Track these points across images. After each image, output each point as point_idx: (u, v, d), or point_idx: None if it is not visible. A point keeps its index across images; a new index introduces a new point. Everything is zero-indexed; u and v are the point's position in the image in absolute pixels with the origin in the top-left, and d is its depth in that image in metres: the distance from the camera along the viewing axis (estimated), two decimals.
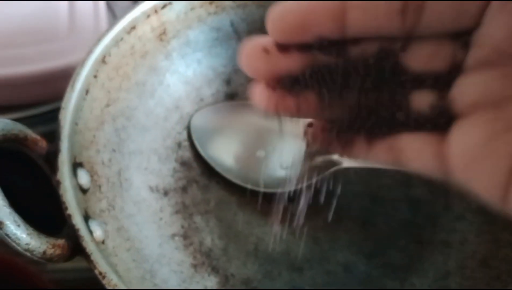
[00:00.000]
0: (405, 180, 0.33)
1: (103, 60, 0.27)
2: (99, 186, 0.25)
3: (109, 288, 0.19)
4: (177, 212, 0.30)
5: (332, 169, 0.31)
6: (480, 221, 0.29)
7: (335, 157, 0.32)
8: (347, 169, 0.34)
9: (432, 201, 0.31)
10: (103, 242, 0.22)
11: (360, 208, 0.33)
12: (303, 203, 0.33)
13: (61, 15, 0.37)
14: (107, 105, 0.28)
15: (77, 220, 0.20)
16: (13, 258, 0.25)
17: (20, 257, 0.19)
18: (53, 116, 0.35)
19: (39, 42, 0.36)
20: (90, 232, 0.21)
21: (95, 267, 0.19)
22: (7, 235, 0.18)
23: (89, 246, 0.20)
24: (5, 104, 0.35)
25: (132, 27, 0.29)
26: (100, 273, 0.19)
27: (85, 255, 0.20)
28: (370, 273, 0.29)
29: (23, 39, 0.36)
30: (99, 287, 0.19)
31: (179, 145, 0.33)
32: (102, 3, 0.38)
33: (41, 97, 0.36)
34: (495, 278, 0.26)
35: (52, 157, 0.22)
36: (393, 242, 0.31)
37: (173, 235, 0.29)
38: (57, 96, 0.36)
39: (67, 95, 0.24)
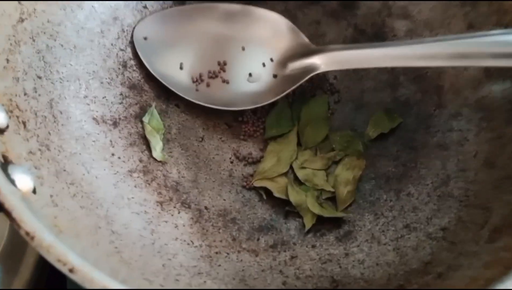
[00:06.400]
0: (390, 80, 0.30)
1: None
2: (24, 123, 0.22)
3: (42, 250, 0.15)
4: (131, 144, 0.27)
5: (309, 76, 0.29)
6: (479, 117, 0.27)
7: (311, 61, 0.28)
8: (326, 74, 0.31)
9: (422, 101, 0.29)
10: (34, 192, 0.19)
11: (343, 118, 0.30)
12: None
13: None
14: (21, 20, 0.24)
15: None
16: None
17: None
18: None
19: None
20: (12, 182, 0.17)
21: (19, 227, 0.15)
22: None
23: (10, 201, 0.15)
24: None
25: None
26: (28, 234, 0.15)
27: (6, 213, 0.15)
28: (359, 188, 0.27)
29: None
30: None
31: (124, 65, 0.29)
32: None
33: None
34: (504, 178, 0.24)
35: None
36: (383, 150, 0.28)
37: (130, 172, 0.26)
38: None
39: None
